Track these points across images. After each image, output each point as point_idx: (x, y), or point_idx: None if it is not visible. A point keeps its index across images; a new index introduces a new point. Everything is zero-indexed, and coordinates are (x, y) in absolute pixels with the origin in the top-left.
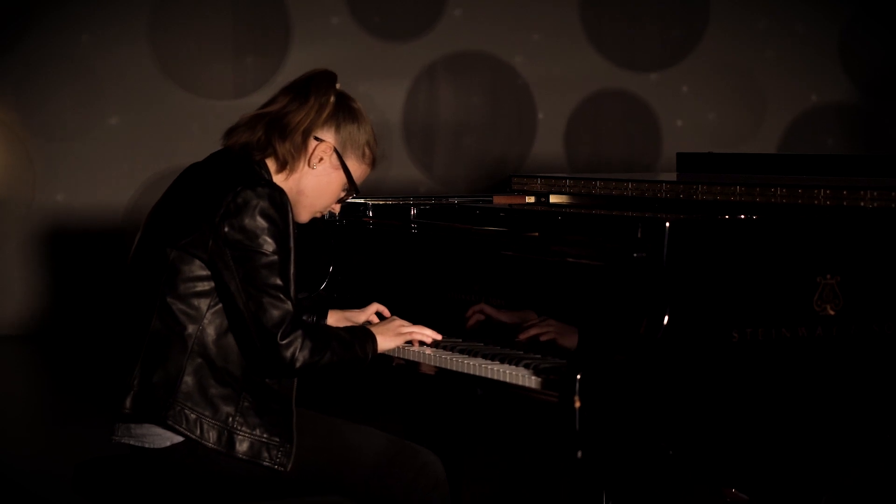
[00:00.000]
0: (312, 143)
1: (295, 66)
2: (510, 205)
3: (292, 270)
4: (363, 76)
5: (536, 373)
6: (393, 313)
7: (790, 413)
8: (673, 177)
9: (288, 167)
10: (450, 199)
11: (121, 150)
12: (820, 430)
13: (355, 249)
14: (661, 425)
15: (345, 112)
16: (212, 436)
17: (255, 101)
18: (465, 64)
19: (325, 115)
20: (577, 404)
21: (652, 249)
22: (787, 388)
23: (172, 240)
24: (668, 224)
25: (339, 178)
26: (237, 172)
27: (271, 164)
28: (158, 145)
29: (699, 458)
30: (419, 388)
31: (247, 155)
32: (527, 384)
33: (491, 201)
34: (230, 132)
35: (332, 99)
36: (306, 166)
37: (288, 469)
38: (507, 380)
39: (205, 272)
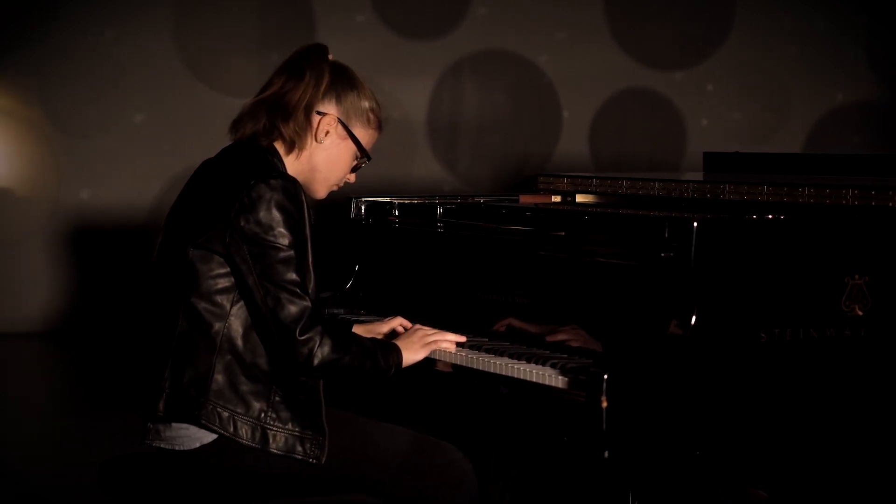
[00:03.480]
0: (316, 119)
1: None
2: (536, 204)
3: (310, 261)
4: (388, 74)
5: (563, 372)
6: (418, 312)
7: (817, 414)
8: (699, 176)
9: (297, 147)
10: (475, 199)
11: (145, 146)
12: (847, 430)
13: (381, 248)
14: (688, 425)
15: (342, 82)
16: (245, 432)
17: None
18: (489, 62)
19: (322, 88)
20: (605, 404)
21: (680, 249)
22: (814, 388)
23: (191, 239)
24: (695, 224)
25: (348, 148)
26: (249, 165)
27: (280, 147)
28: (183, 142)
29: (726, 457)
30: (444, 386)
31: (255, 144)
32: (553, 384)
33: (517, 200)
34: (235, 124)
35: (328, 71)
36: (314, 142)
37: (322, 461)
38: (534, 379)
39: (225, 269)
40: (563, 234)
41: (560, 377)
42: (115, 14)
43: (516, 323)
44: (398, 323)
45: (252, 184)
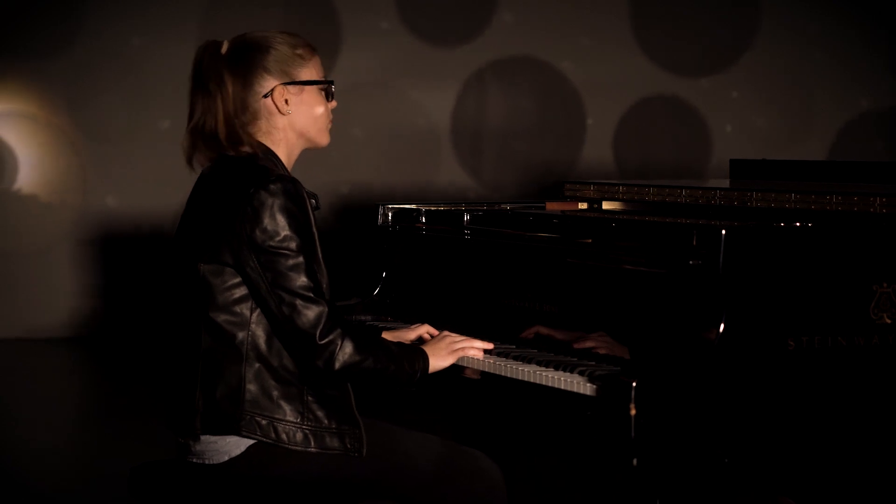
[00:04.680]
0: (265, 102)
1: (344, 70)
2: (563, 211)
3: (320, 262)
4: (412, 81)
5: (591, 380)
6: (445, 319)
7: (845, 422)
8: (726, 183)
9: (274, 131)
10: (502, 206)
11: (171, 153)
12: (875, 439)
13: (408, 255)
14: (716, 433)
15: (249, 55)
16: (287, 436)
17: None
18: (514, 69)
19: (242, 79)
20: (633, 412)
21: (708, 257)
22: (842, 396)
23: (200, 255)
24: (724, 231)
25: (310, 94)
26: (245, 174)
27: (265, 140)
28: None
29: (754, 465)
30: (472, 393)
31: (243, 152)
32: (582, 391)
33: (543, 207)
34: (190, 159)
35: (234, 65)
36: (282, 116)
37: (363, 453)
38: (562, 387)
39: (238, 279)
40: (590, 241)
41: (588, 384)
42: (142, 22)
43: (544, 330)
44: (425, 330)
45: (252, 192)
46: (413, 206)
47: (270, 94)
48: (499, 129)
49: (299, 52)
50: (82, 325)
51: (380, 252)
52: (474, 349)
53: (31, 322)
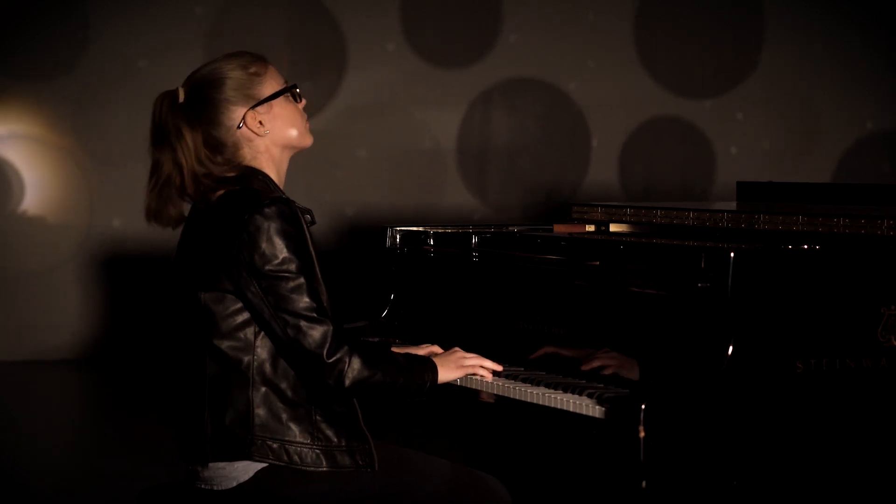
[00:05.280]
0: (241, 133)
1: (350, 92)
2: (571, 233)
3: (320, 280)
4: (418, 102)
5: (600, 402)
6: (454, 341)
7: (853, 444)
8: (733, 206)
9: (258, 155)
10: (510, 228)
11: None
12: (884, 461)
13: (416, 277)
14: (725, 455)
15: (207, 94)
16: (298, 458)
17: (309, 127)
18: (519, 90)
19: (208, 121)
20: (642, 434)
21: (716, 279)
22: (850, 419)
23: (199, 283)
24: (732, 254)
25: (280, 105)
26: (238, 198)
27: (253, 164)
28: None
29: (763, 488)
30: (481, 415)
31: (239, 178)
32: (591, 414)
33: (551, 229)
34: (158, 215)
35: (195, 110)
36: (263, 139)
37: (375, 468)
38: (571, 409)
39: (239, 304)
40: (598, 263)
41: (597, 407)
42: (148, 44)
43: (552, 352)
44: (432, 349)
45: (247, 218)
46: (421, 229)
47: (243, 122)
48: (504, 151)
49: (253, 70)
50: (88, 346)
51: (388, 274)
52: (483, 369)
53: (37, 344)
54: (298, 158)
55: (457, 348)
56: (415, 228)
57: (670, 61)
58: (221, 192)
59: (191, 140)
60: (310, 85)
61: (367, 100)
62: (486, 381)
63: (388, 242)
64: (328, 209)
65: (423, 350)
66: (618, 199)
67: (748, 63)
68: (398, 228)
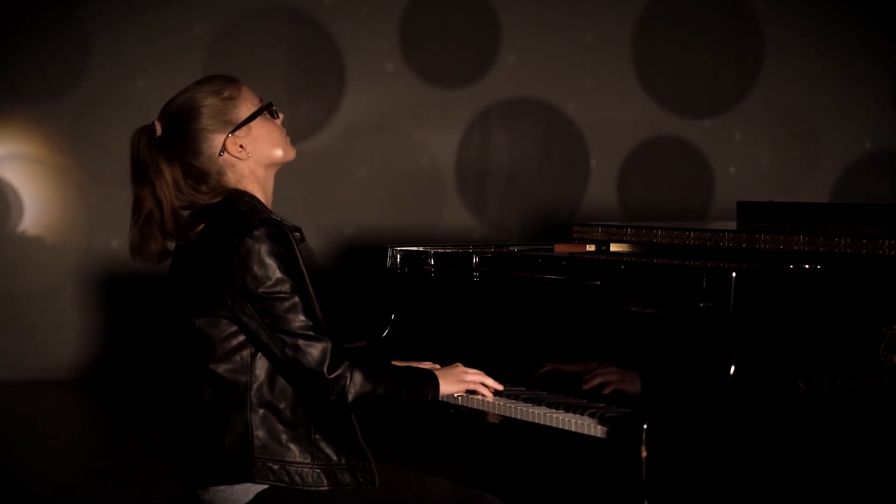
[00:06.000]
0: (223, 159)
1: (349, 111)
2: (571, 253)
3: (313, 297)
4: (416, 122)
5: (602, 422)
6: (454, 361)
7: (856, 463)
8: (733, 225)
9: (243, 178)
10: (510, 248)
11: None
12: (887, 480)
13: (417, 297)
14: (727, 475)
15: (184, 126)
16: (299, 478)
17: (308, 146)
18: (518, 110)
19: (189, 152)
20: (644, 454)
21: (718, 299)
22: (853, 438)
23: (193, 309)
24: (734, 274)
25: (258, 126)
26: (227, 222)
27: (238, 187)
28: None
29: None
30: (483, 435)
31: (226, 201)
32: (593, 433)
33: (551, 249)
34: (140, 251)
35: (173, 144)
36: (246, 161)
37: (377, 485)
38: (573, 429)
39: (234, 328)
40: (599, 283)
41: (599, 426)
42: (147, 63)
43: (554, 371)
44: (432, 367)
45: (237, 241)
46: (421, 249)
47: (224, 149)
48: (503, 170)
49: (226, 94)
50: (87, 367)
51: (388, 294)
52: (484, 386)
53: (36, 364)
54: (298, 178)
55: (458, 363)
56: (415, 248)
57: (669, 81)
58: (202, 226)
59: (169, 175)
60: (308, 104)
61: (367, 120)
62: (487, 401)
63: (389, 262)
64: (327, 229)
65: (423, 366)
66: (617, 219)
67: (747, 82)
68: (398, 248)
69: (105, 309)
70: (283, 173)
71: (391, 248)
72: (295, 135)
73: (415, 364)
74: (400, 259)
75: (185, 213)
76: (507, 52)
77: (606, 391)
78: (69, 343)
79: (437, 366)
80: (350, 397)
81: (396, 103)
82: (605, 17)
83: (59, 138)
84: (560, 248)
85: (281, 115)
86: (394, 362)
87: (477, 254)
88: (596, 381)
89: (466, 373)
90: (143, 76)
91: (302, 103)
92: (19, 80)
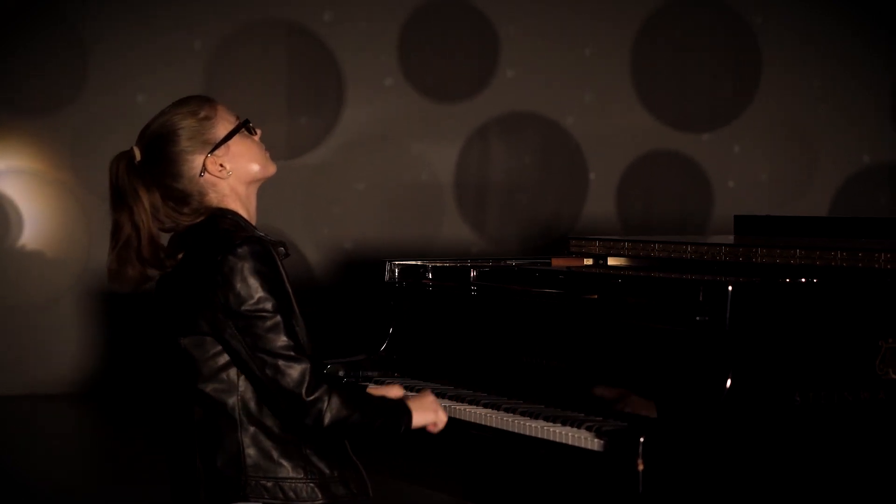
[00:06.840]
0: (204, 180)
1: (348, 126)
2: (569, 267)
3: (298, 316)
4: (415, 136)
5: (599, 435)
6: (452, 374)
7: (852, 477)
8: (731, 239)
9: (225, 198)
10: (508, 262)
11: None
12: (884, 494)
13: (415, 311)
14: (725, 489)
15: (163, 150)
16: (293, 494)
17: (307, 161)
18: (517, 124)
19: (170, 176)
20: (641, 467)
21: (715, 313)
22: (849, 451)
23: (178, 328)
24: (731, 287)
25: (236, 143)
26: (210, 241)
27: (221, 206)
28: None
29: None
30: (480, 447)
31: (209, 220)
32: (589, 447)
33: (549, 263)
34: (119, 276)
35: (153, 169)
36: (227, 180)
37: (370, 494)
38: (570, 442)
39: (219, 347)
40: (597, 297)
41: (596, 440)
42: (146, 79)
43: (551, 385)
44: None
45: (220, 259)
46: (420, 263)
47: (204, 170)
48: (502, 184)
49: (203, 115)
50: (86, 381)
51: (387, 308)
52: (441, 422)
53: (35, 378)
54: (297, 192)
55: (428, 391)
56: (413, 262)
57: (667, 95)
58: (181, 255)
59: (147, 201)
60: (307, 119)
61: (366, 134)
62: (485, 414)
63: (387, 276)
64: (326, 243)
65: (392, 390)
66: (615, 233)
67: (745, 96)
68: (397, 262)
69: (104, 323)
70: (282, 188)
71: (389, 261)
72: (294, 149)
73: (383, 390)
74: (398, 273)
75: (168, 235)
76: (506, 67)
77: (604, 406)
78: (68, 356)
79: (410, 393)
80: (326, 421)
81: (395, 117)
82: (603, 32)
83: (58, 153)
84: (557, 262)
85: (258, 132)
86: (370, 389)
87: (475, 268)
88: (594, 395)
89: (435, 401)
90: (143, 91)
91: (301, 118)
92: (19, 94)
